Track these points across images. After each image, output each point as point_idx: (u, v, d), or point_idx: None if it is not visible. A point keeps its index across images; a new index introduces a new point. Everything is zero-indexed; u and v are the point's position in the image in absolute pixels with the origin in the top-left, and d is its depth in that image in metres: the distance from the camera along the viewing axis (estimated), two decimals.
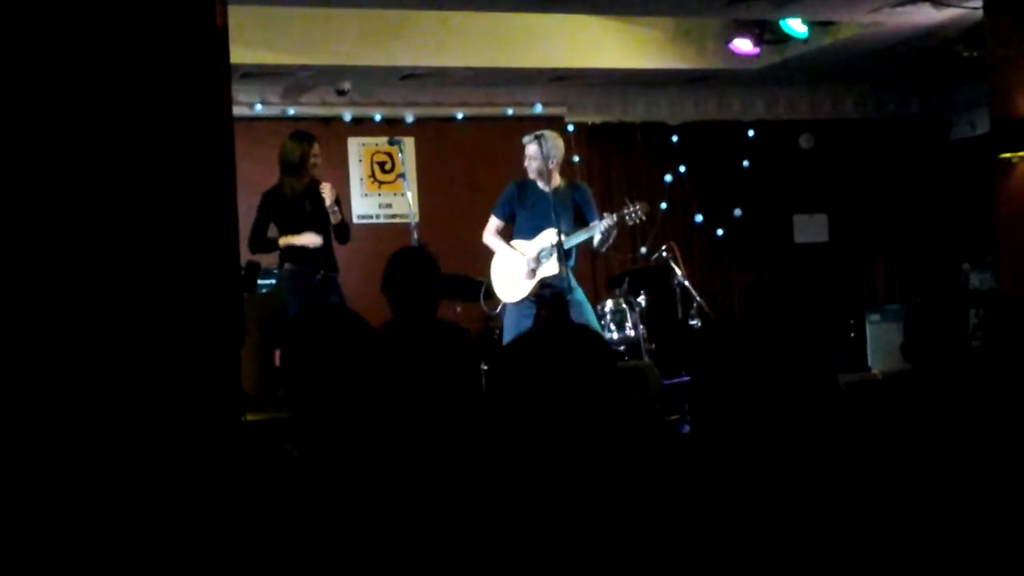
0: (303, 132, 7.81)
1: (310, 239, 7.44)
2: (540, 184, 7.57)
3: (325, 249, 7.56)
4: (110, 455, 2.87)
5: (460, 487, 2.67)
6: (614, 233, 7.50)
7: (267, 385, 6.35)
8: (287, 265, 7.52)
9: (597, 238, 7.46)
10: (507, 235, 7.81)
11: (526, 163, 7.64)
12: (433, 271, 4.70)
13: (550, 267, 7.49)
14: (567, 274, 7.38)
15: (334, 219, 7.49)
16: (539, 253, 7.57)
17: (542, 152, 7.48)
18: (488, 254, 7.85)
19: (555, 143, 7.60)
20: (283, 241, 7.47)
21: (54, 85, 3.66)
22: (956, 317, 3.73)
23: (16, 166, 3.56)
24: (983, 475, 3.40)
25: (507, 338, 7.67)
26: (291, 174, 7.52)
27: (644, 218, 7.62)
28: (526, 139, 7.63)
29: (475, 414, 3.74)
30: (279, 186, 7.56)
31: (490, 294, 7.88)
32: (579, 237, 7.54)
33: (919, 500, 3.40)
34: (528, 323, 7.60)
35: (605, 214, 7.50)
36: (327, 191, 7.47)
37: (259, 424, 4.47)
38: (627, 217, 7.51)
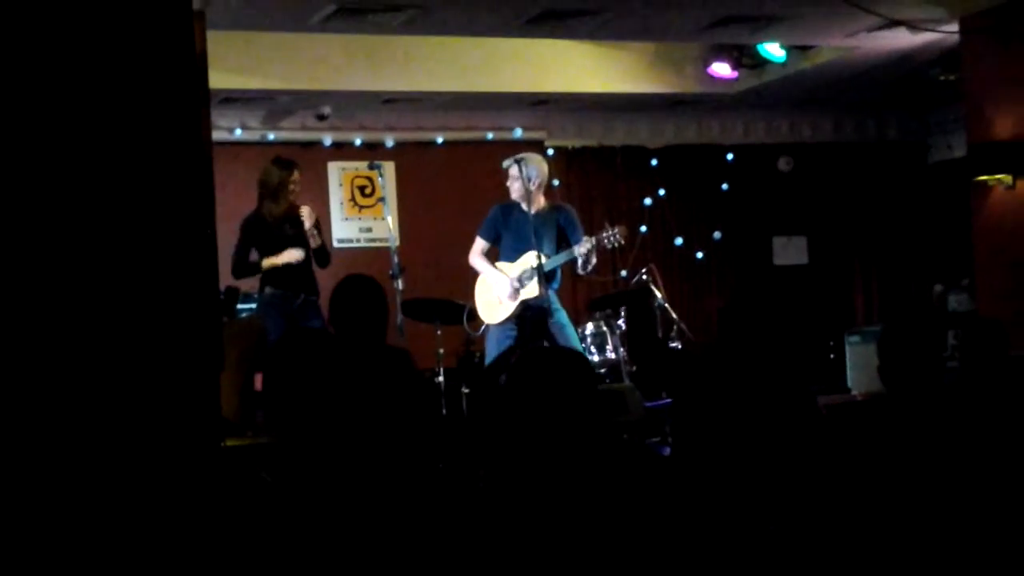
0: (285, 158, 7.81)
1: (292, 255, 7.43)
2: (523, 207, 7.58)
3: (305, 273, 7.55)
4: (89, 479, 2.86)
5: (435, 508, 2.67)
6: (594, 257, 7.51)
7: (247, 410, 6.33)
8: (267, 289, 7.51)
9: (579, 262, 7.48)
10: (493, 257, 7.83)
11: (508, 185, 7.66)
12: (379, 299, 4.68)
13: (532, 289, 7.51)
14: (549, 296, 7.39)
15: (314, 243, 7.49)
16: (521, 275, 7.58)
17: (523, 174, 7.49)
18: (470, 276, 7.86)
19: (537, 166, 7.61)
20: (266, 263, 7.46)
21: (34, 109, 3.65)
22: (930, 339, 3.74)
23: None
24: (962, 495, 3.42)
25: (489, 359, 7.67)
26: (271, 199, 7.52)
27: (623, 242, 7.63)
28: (506, 162, 7.64)
29: (427, 436, 3.71)
30: (259, 211, 7.56)
31: (472, 316, 7.88)
32: (559, 260, 7.55)
33: (899, 519, 3.42)
34: (510, 344, 7.61)
35: (584, 237, 7.52)
36: (306, 214, 7.47)
37: (238, 450, 4.45)
38: (606, 240, 7.52)
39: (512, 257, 7.68)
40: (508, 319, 7.62)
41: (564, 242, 7.60)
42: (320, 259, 7.61)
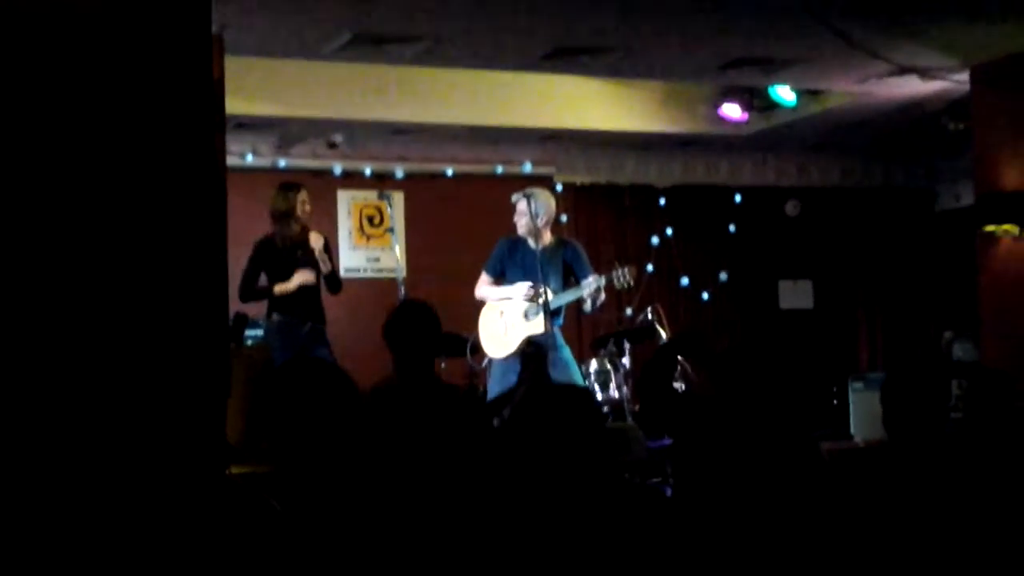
0: (290, 182, 7.85)
1: (303, 276, 7.44)
2: (530, 242, 7.60)
3: (313, 300, 7.56)
4: (95, 504, 2.86)
5: (446, 543, 2.67)
6: (602, 296, 7.52)
7: (252, 437, 6.32)
8: (275, 316, 7.51)
9: (587, 305, 7.50)
10: None
11: (516, 220, 7.67)
12: (435, 326, 4.78)
13: (536, 324, 7.50)
14: (554, 332, 7.40)
15: (324, 268, 7.50)
16: (526, 310, 7.58)
17: (531, 209, 7.51)
18: (475, 310, 7.86)
19: (545, 201, 7.63)
20: (278, 289, 7.46)
21: (50, 130, 3.67)
22: (935, 388, 3.74)
23: (5, 212, 3.57)
24: (964, 544, 3.41)
25: (492, 394, 7.66)
26: (281, 223, 7.54)
27: (632, 282, 7.64)
28: (515, 197, 7.66)
29: (475, 475, 3.72)
30: (271, 235, 7.58)
31: (476, 349, 7.87)
32: (566, 297, 7.55)
33: (901, 567, 3.41)
34: (513, 379, 7.59)
35: (593, 275, 7.53)
36: (314, 239, 7.49)
37: (244, 477, 4.45)
38: (615, 280, 7.54)
39: None
40: (512, 354, 7.61)
41: (571, 278, 7.61)
42: (331, 285, 7.63)
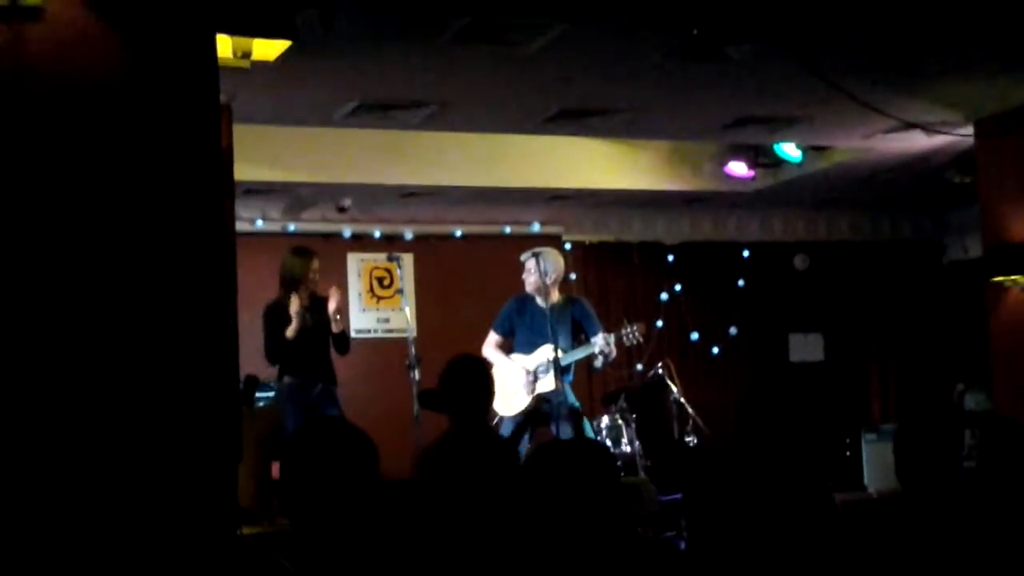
0: (304, 248, 7.91)
1: (334, 299, 7.44)
2: (539, 300, 7.63)
3: (323, 361, 7.59)
4: (107, 565, 2.87)
5: None
6: (612, 353, 7.56)
7: (264, 499, 6.33)
8: (286, 378, 7.55)
9: (598, 361, 7.53)
10: (507, 350, 7.86)
11: (524, 278, 7.72)
12: (489, 379, 4.85)
13: (547, 382, 7.52)
14: (565, 389, 7.42)
15: (335, 328, 7.53)
16: (537, 368, 7.60)
17: (539, 268, 7.56)
18: None
19: (554, 260, 7.68)
20: (290, 332, 7.45)
21: (64, 204, 3.73)
22: (948, 438, 3.75)
23: (24, 288, 3.61)
24: None
25: None
26: (291, 289, 7.59)
27: (642, 339, 7.69)
28: (524, 256, 7.72)
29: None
30: (280, 300, 7.62)
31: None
32: (576, 355, 7.58)
33: None
34: (524, 438, 7.59)
35: (602, 333, 7.56)
36: (333, 295, 7.52)
37: (255, 537, 4.46)
38: (624, 338, 7.58)
39: (528, 350, 7.71)
40: (523, 412, 7.62)
41: (580, 334, 7.64)
42: (340, 346, 7.66)
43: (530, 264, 7.66)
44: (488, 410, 4.93)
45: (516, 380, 7.67)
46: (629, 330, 7.60)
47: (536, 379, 7.60)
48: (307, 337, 7.50)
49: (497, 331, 7.84)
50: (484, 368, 4.91)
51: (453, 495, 4.25)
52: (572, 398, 7.57)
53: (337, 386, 7.65)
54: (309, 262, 7.64)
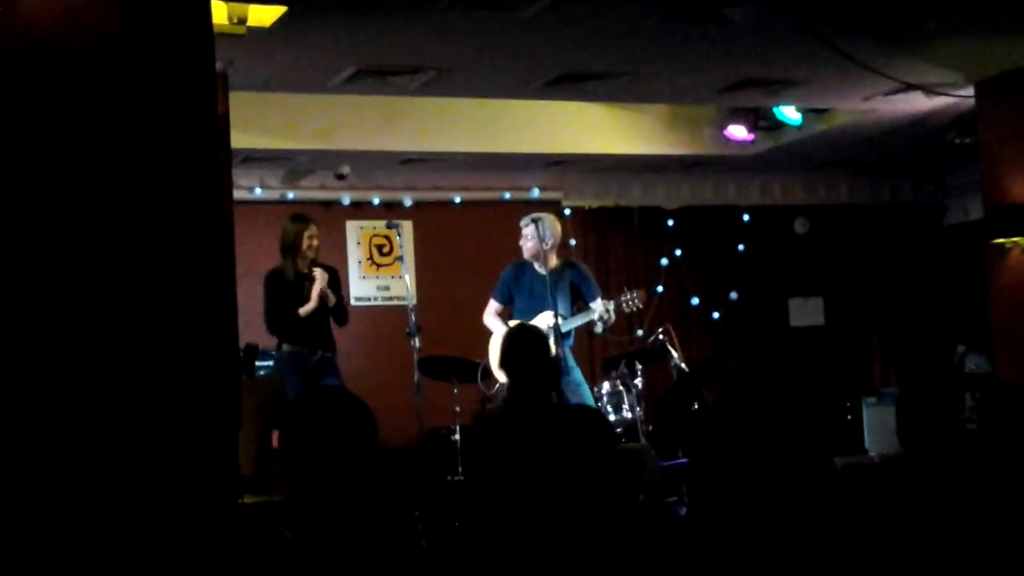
0: (302, 214, 7.91)
1: (319, 282, 7.48)
2: (536, 266, 7.62)
3: (323, 329, 7.60)
4: (109, 534, 2.87)
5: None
6: (612, 319, 7.56)
7: (264, 467, 6.34)
8: (285, 347, 7.55)
9: (598, 327, 7.53)
10: (507, 317, 7.85)
11: (521, 244, 7.71)
12: (548, 348, 4.89)
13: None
14: (565, 355, 7.42)
15: (330, 302, 7.54)
16: None
17: (538, 234, 7.55)
18: (486, 335, 7.88)
19: (551, 226, 7.67)
20: (303, 310, 7.48)
21: (60, 173, 3.71)
22: (950, 401, 3.74)
23: (20, 252, 3.60)
24: (980, 557, 3.40)
25: None
26: (289, 255, 7.59)
27: (641, 306, 7.68)
28: (523, 221, 7.70)
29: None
30: (280, 268, 7.63)
31: (487, 374, 7.89)
32: (576, 321, 7.58)
33: None
34: None
35: (601, 300, 7.56)
36: (318, 275, 7.54)
37: (256, 507, 4.46)
38: (624, 304, 7.57)
39: (527, 316, 7.70)
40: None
41: (579, 300, 7.63)
42: (338, 318, 7.67)
43: (528, 230, 7.65)
44: (549, 379, 4.96)
45: None
46: (629, 297, 7.59)
47: None
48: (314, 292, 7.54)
49: (497, 299, 7.84)
50: (542, 338, 4.91)
51: (520, 467, 4.23)
52: (572, 363, 7.57)
53: (336, 354, 7.66)
54: (304, 227, 7.63)
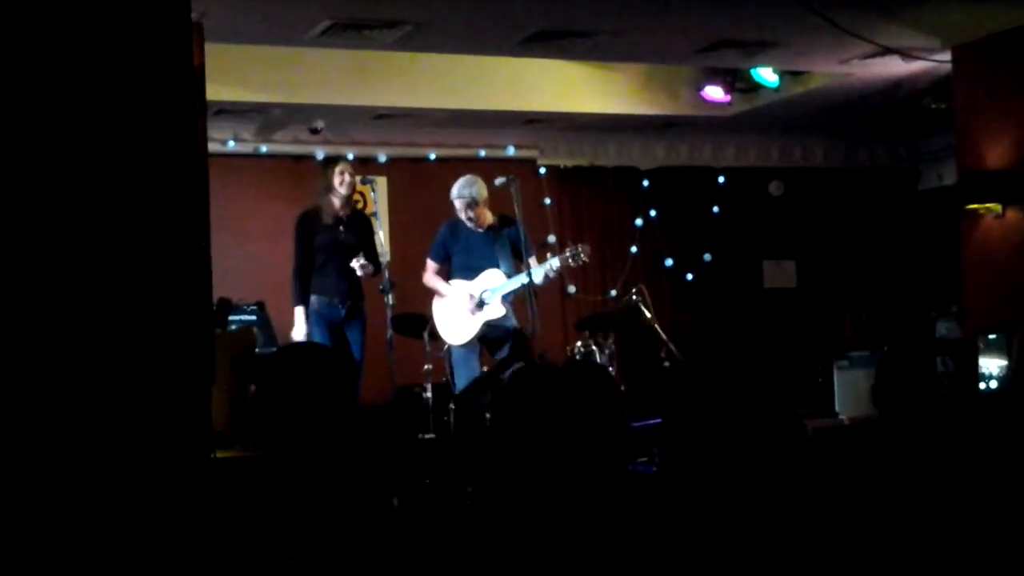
0: (332, 156, 8.07)
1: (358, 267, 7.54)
2: (470, 224, 7.65)
3: (351, 279, 7.65)
4: (80, 489, 2.85)
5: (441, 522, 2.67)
6: (553, 275, 7.56)
7: (238, 422, 6.33)
8: (312, 297, 7.64)
9: (539, 279, 7.46)
10: (445, 276, 7.85)
11: (456, 204, 7.73)
12: None
13: (494, 309, 7.55)
14: (510, 312, 7.50)
15: (364, 274, 7.59)
16: (481, 294, 7.60)
17: (469, 196, 7.62)
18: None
19: (479, 189, 7.71)
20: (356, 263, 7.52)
21: (29, 117, 3.66)
22: (927, 365, 3.77)
23: None
24: (951, 520, 3.43)
25: (459, 380, 7.65)
26: (327, 195, 7.72)
27: (587, 259, 7.61)
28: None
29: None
30: (313, 209, 7.75)
31: (434, 336, 7.87)
32: (515, 284, 7.55)
33: (884, 545, 3.43)
34: (475, 364, 7.61)
35: (549, 255, 7.57)
36: (357, 267, 7.53)
37: (229, 461, 4.45)
38: (570, 260, 7.52)
39: (467, 275, 7.69)
40: (471, 340, 7.65)
41: (518, 257, 7.61)
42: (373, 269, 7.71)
43: (459, 203, 7.70)
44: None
45: (461, 307, 7.66)
46: (574, 251, 7.50)
47: (482, 304, 7.60)
48: (336, 252, 7.59)
49: (434, 258, 7.86)
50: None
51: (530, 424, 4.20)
52: (513, 321, 7.61)
53: (364, 300, 7.74)
54: (334, 164, 7.74)
